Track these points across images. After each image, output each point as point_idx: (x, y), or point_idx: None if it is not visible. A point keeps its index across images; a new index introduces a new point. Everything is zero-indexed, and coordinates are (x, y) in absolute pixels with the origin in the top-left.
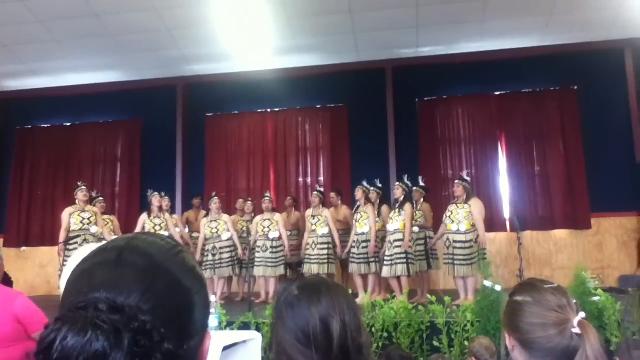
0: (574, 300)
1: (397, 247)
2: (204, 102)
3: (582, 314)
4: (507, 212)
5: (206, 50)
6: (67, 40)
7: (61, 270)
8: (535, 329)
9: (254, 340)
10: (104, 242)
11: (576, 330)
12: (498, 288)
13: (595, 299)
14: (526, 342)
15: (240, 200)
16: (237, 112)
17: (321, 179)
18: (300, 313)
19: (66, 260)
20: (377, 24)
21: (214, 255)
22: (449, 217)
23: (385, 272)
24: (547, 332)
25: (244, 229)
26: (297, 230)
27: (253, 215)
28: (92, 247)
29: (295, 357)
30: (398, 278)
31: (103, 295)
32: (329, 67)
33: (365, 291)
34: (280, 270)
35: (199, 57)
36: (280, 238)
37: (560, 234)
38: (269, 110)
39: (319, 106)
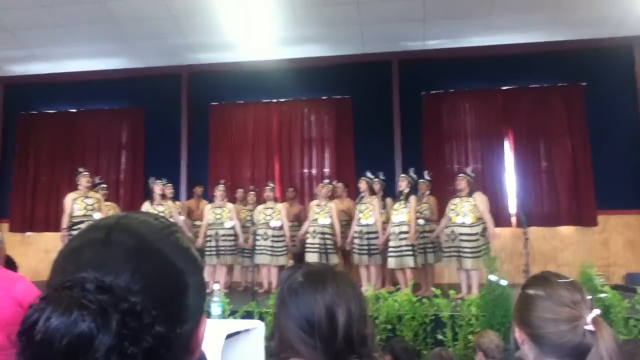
0: (589, 297)
1: (403, 239)
2: (209, 91)
3: (596, 311)
4: (512, 208)
5: (211, 39)
6: (71, 25)
7: None
8: (546, 324)
9: (257, 329)
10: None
11: (589, 327)
12: (504, 283)
13: (602, 296)
14: (537, 336)
15: (240, 190)
16: (241, 101)
17: (326, 170)
18: (305, 300)
19: None
20: (383, 16)
21: (216, 240)
22: (453, 209)
23: (392, 263)
24: (559, 327)
25: (248, 218)
26: (298, 221)
27: (255, 205)
28: None
29: (297, 345)
30: (403, 270)
31: (91, 275)
32: (334, 58)
33: (369, 282)
34: (282, 260)
35: (204, 46)
36: (281, 227)
37: (565, 230)
38: (273, 100)
39: (324, 97)
